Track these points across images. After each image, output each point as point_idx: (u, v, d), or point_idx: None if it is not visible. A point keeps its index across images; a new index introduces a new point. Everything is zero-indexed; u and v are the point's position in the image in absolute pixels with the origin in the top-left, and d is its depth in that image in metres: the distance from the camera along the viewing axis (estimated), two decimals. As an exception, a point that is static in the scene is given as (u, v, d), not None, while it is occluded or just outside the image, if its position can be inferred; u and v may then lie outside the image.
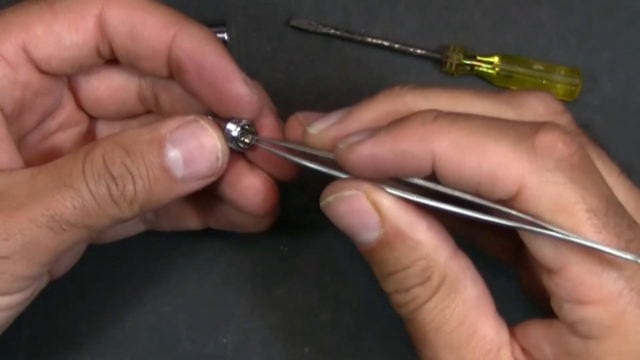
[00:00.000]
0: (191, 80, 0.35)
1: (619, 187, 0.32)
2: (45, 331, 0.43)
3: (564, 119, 0.33)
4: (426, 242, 0.32)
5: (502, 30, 0.46)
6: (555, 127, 0.30)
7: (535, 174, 0.29)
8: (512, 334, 0.32)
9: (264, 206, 0.37)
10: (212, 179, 0.35)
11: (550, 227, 0.29)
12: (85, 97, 0.38)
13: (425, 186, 0.32)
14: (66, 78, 0.38)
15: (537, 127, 0.30)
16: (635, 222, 0.30)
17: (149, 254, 0.44)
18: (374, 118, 0.33)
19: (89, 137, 0.40)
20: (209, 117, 0.35)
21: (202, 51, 0.35)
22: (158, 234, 0.44)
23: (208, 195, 0.39)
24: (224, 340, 0.43)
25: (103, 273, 0.44)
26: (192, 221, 0.41)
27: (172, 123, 0.34)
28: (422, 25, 0.46)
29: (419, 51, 0.45)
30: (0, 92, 0.34)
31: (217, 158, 0.35)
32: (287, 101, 0.45)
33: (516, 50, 0.46)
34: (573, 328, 0.30)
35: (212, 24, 0.45)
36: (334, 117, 0.34)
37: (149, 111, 0.40)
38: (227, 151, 0.35)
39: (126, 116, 0.40)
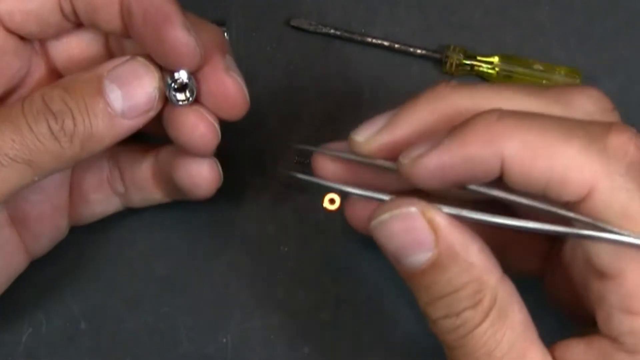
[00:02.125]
0: (137, 25, 0.35)
1: None
2: (45, 331, 0.43)
3: (614, 117, 0.32)
4: (478, 264, 0.31)
5: (502, 30, 0.46)
6: (625, 128, 0.29)
7: (608, 177, 0.28)
8: (552, 356, 0.31)
9: (202, 143, 0.36)
10: (151, 114, 0.35)
11: (617, 230, 0.28)
12: (57, 58, 0.38)
13: (484, 194, 0.31)
14: (37, 44, 0.38)
15: (607, 128, 0.29)
16: None
17: (149, 254, 0.44)
18: (420, 121, 0.33)
19: None
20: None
21: None
22: (158, 234, 0.44)
23: (162, 162, 0.40)
24: (224, 340, 0.43)
25: (103, 273, 0.44)
26: (155, 192, 0.41)
27: (110, 63, 0.35)
28: (422, 25, 0.46)
29: (419, 51, 0.45)
30: None
31: (155, 89, 0.35)
32: (287, 101, 0.45)
33: (516, 50, 0.46)
34: (619, 341, 0.30)
35: (212, 24, 0.45)
36: (380, 121, 0.34)
37: None
38: (162, 85, 0.35)
39: None
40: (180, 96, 0.36)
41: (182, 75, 0.35)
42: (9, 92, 0.37)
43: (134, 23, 0.35)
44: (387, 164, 0.33)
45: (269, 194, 0.44)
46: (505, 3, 0.46)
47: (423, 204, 0.31)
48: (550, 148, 0.29)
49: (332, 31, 0.45)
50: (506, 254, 0.34)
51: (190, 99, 0.36)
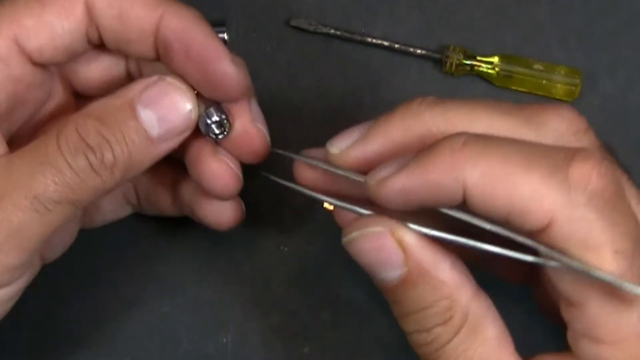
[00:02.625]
0: (178, 59, 0.35)
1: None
2: (45, 331, 0.43)
3: (587, 138, 0.32)
4: (449, 281, 0.31)
5: (502, 30, 0.46)
6: (589, 156, 0.29)
7: (567, 208, 0.28)
8: None
9: (225, 192, 0.37)
10: (187, 133, 0.35)
11: (575, 263, 0.28)
12: (77, 80, 0.38)
13: (453, 217, 0.31)
14: (55, 68, 0.38)
15: (571, 156, 0.29)
16: None
17: (149, 254, 0.44)
18: (393, 137, 0.33)
19: None
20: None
21: (190, 30, 0.34)
22: (158, 234, 0.44)
23: (180, 184, 0.40)
24: (224, 340, 0.43)
25: (103, 273, 0.44)
26: (168, 208, 0.41)
27: (138, 85, 0.34)
28: (422, 25, 0.46)
29: (419, 51, 0.45)
30: None
31: (190, 109, 0.35)
32: (287, 101, 0.45)
33: (516, 50, 0.46)
34: None
35: (212, 24, 0.45)
36: (354, 134, 0.34)
37: None
38: (196, 103, 0.35)
39: None
40: (217, 130, 0.36)
41: (219, 112, 0.36)
42: (31, 117, 0.37)
43: (175, 59, 0.35)
44: (361, 177, 0.33)
45: (269, 194, 0.44)
46: (505, 3, 0.46)
47: (392, 223, 0.31)
48: (511, 178, 0.29)
49: (332, 31, 0.45)
50: (492, 265, 0.34)
51: (224, 135, 0.36)
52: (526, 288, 0.38)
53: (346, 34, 0.46)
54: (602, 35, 0.46)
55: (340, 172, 0.34)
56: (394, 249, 0.31)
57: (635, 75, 0.46)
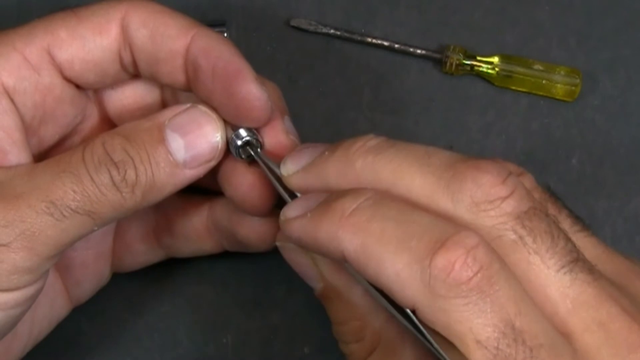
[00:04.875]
0: (205, 79, 0.35)
1: (590, 248, 0.31)
2: (45, 331, 0.43)
3: (506, 205, 0.30)
4: (361, 305, 0.33)
5: (502, 30, 0.46)
6: (458, 243, 0.28)
7: (426, 298, 0.28)
8: None
9: (258, 203, 0.37)
10: (213, 163, 0.35)
11: (439, 350, 0.29)
12: (111, 106, 0.38)
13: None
14: (91, 92, 0.38)
15: (441, 241, 0.28)
16: (550, 341, 0.28)
17: (149, 254, 0.44)
18: (327, 176, 0.33)
19: None
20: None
21: (217, 49, 0.34)
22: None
23: (219, 216, 0.39)
24: (224, 340, 0.43)
25: (103, 273, 0.44)
26: (207, 243, 0.41)
27: (169, 111, 0.35)
28: (422, 25, 0.46)
29: (419, 51, 0.45)
30: (22, 95, 0.34)
31: (218, 138, 0.35)
32: (287, 101, 0.45)
33: (516, 50, 0.46)
34: None
35: (212, 24, 0.45)
36: (304, 158, 0.34)
37: None
38: (224, 134, 0.35)
39: None
40: (246, 152, 0.36)
41: (248, 133, 0.35)
42: (63, 139, 0.37)
43: (202, 77, 0.35)
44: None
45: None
46: (505, 3, 0.46)
47: None
48: (381, 258, 0.29)
49: (332, 31, 0.45)
50: None
51: (257, 154, 0.36)
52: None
53: (346, 34, 0.46)
54: (602, 35, 0.46)
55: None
56: (309, 266, 0.34)
57: (635, 75, 0.46)
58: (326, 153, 0.33)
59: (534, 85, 0.45)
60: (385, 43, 0.45)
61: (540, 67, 0.45)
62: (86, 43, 0.35)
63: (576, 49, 0.46)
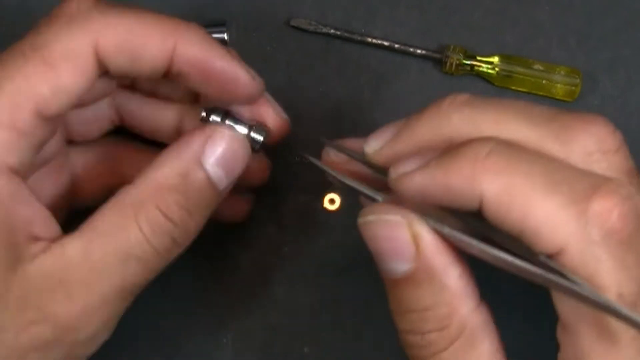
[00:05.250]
0: (195, 83, 0.35)
1: None
2: (45, 331, 0.43)
3: (617, 159, 0.30)
4: (453, 289, 0.31)
5: (502, 30, 0.46)
6: (614, 191, 0.28)
7: (580, 242, 0.28)
8: None
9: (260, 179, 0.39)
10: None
11: (577, 280, 0.28)
12: (71, 124, 0.39)
13: (469, 222, 0.31)
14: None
15: (596, 186, 0.28)
16: None
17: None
18: (421, 138, 0.32)
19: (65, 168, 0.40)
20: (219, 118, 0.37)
21: (207, 59, 0.34)
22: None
23: None
24: (224, 340, 0.43)
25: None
26: None
27: (198, 147, 0.35)
28: (422, 25, 0.46)
29: (419, 51, 0.45)
30: (28, 170, 0.34)
31: (249, 153, 0.36)
32: (287, 101, 0.45)
33: (516, 50, 0.46)
34: None
35: (212, 24, 0.45)
36: (387, 133, 0.34)
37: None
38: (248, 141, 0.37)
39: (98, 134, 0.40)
40: (259, 137, 0.37)
41: (257, 129, 0.37)
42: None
43: (192, 82, 0.35)
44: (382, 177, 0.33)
45: (269, 194, 0.44)
46: (505, 3, 0.46)
47: (412, 216, 0.31)
48: (529, 199, 0.28)
49: (332, 31, 0.45)
50: None
51: (264, 139, 0.37)
52: (525, 295, 0.38)
53: (346, 34, 0.46)
54: (602, 35, 0.46)
55: (368, 163, 0.34)
56: (407, 242, 0.31)
57: (635, 75, 0.46)
58: (412, 119, 0.33)
59: (534, 85, 0.45)
60: (385, 43, 0.45)
61: (540, 67, 0.45)
62: (70, 92, 0.33)
63: (576, 49, 0.46)
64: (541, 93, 0.45)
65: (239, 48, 0.45)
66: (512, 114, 0.31)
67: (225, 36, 0.45)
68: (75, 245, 0.33)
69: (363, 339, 0.43)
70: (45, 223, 0.34)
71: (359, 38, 0.46)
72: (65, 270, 0.33)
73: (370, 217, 0.32)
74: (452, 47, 0.45)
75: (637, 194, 0.29)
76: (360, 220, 0.32)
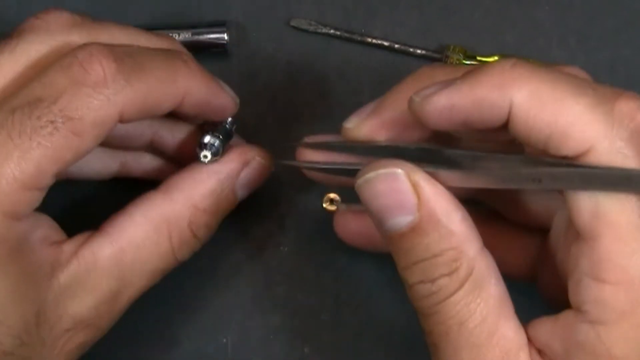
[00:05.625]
0: (189, 114, 0.38)
1: None
2: (45, 331, 0.43)
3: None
4: (458, 232, 0.31)
5: (502, 30, 0.46)
6: (635, 97, 0.29)
7: (608, 140, 0.29)
8: (526, 332, 0.32)
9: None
10: None
11: (601, 166, 0.29)
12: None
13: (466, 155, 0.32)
14: None
15: (618, 93, 0.30)
16: None
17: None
18: (405, 102, 0.33)
19: None
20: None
21: (208, 101, 0.37)
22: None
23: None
24: (224, 340, 0.43)
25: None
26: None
27: (235, 172, 0.38)
28: (422, 25, 0.46)
29: (419, 51, 0.45)
30: (24, 210, 0.34)
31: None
32: (287, 101, 0.45)
33: (516, 50, 0.46)
34: (583, 310, 0.30)
35: (212, 24, 0.45)
36: (368, 108, 0.35)
37: None
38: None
39: None
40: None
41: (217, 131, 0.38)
42: None
43: (187, 114, 0.38)
44: (372, 143, 0.35)
45: (269, 194, 0.44)
46: (505, 3, 0.46)
47: (409, 167, 0.32)
48: (558, 101, 0.29)
49: (332, 31, 0.45)
50: (497, 259, 0.34)
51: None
52: (525, 288, 0.38)
53: (346, 34, 0.46)
54: (602, 35, 0.46)
55: (352, 144, 0.35)
56: (408, 192, 0.31)
57: (636, 75, 0.46)
58: (392, 89, 0.35)
59: (534, 85, 0.45)
60: (385, 43, 0.45)
61: (540, 67, 0.45)
62: (86, 153, 0.34)
63: (576, 49, 0.46)
64: (541, 93, 0.45)
65: (239, 48, 0.46)
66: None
67: (225, 36, 0.45)
68: (105, 252, 0.35)
69: (363, 339, 0.43)
70: (53, 227, 0.35)
71: (359, 38, 0.46)
72: (94, 275, 0.35)
73: (370, 175, 0.32)
74: (452, 47, 0.45)
75: None
76: (359, 180, 0.32)
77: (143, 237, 0.35)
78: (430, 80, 0.32)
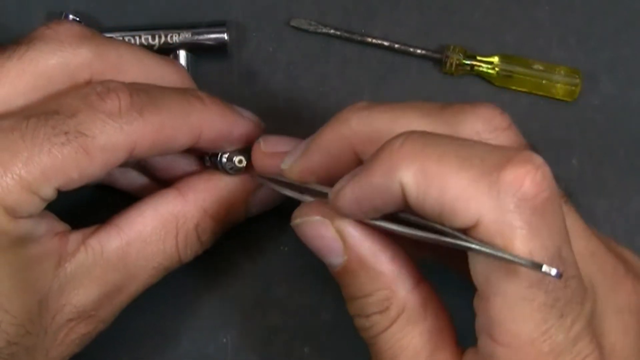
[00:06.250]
0: (209, 148, 0.39)
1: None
2: (45, 331, 0.43)
3: (506, 136, 0.32)
4: (387, 273, 0.32)
5: (502, 30, 0.46)
6: (526, 160, 0.28)
7: (493, 212, 0.28)
8: None
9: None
10: None
11: (493, 249, 0.28)
12: None
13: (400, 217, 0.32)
14: None
15: (507, 158, 0.28)
16: (579, 276, 0.29)
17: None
18: (328, 146, 0.35)
19: None
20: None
21: (229, 132, 0.38)
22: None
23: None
24: (224, 340, 0.43)
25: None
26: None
27: (248, 190, 0.39)
28: (422, 25, 0.46)
29: (419, 51, 0.45)
30: (29, 212, 0.34)
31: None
32: (287, 101, 0.45)
33: (516, 50, 0.46)
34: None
35: (212, 24, 0.45)
36: (299, 149, 0.36)
37: None
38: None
39: None
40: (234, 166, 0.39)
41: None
42: None
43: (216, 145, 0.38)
44: (319, 187, 0.36)
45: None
46: (505, 3, 0.46)
47: (332, 214, 0.33)
48: (443, 178, 0.29)
49: (332, 31, 0.46)
50: (449, 266, 0.35)
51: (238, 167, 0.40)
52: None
53: (346, 34, 0.46)
54: (602, 35, 0.46)
55: (303, 186, 0.36)
56: (333, 238, 0.33)
57: (636, 75, 0.46)
58: (318, 132, 0.35)
59: (534, 85, 0.45)
60: (385, 43, 0.45)
61: (540, 67, 0.45)
62: (90, 178, 0.34)
63: (576, 49, 0.46)
64: (541, 93, 0.45)
65: (239, 48, 0.46)
66: (405, 110, 0.33)
67: (225, 36, 0.45)
68: (113, 244, 0.36)
69: (363, 339, 0.43)
70: (57, 219, 0.36)
71: (359, 38, 0.46)
72: (100, 266, 0.35)
73: (298, 220, 0.34)
74: (452, 47, 0.45)
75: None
76: (292, 223, 0.35)
77: (150, 233, 0.36)
78: (346, 127, 0.34)
